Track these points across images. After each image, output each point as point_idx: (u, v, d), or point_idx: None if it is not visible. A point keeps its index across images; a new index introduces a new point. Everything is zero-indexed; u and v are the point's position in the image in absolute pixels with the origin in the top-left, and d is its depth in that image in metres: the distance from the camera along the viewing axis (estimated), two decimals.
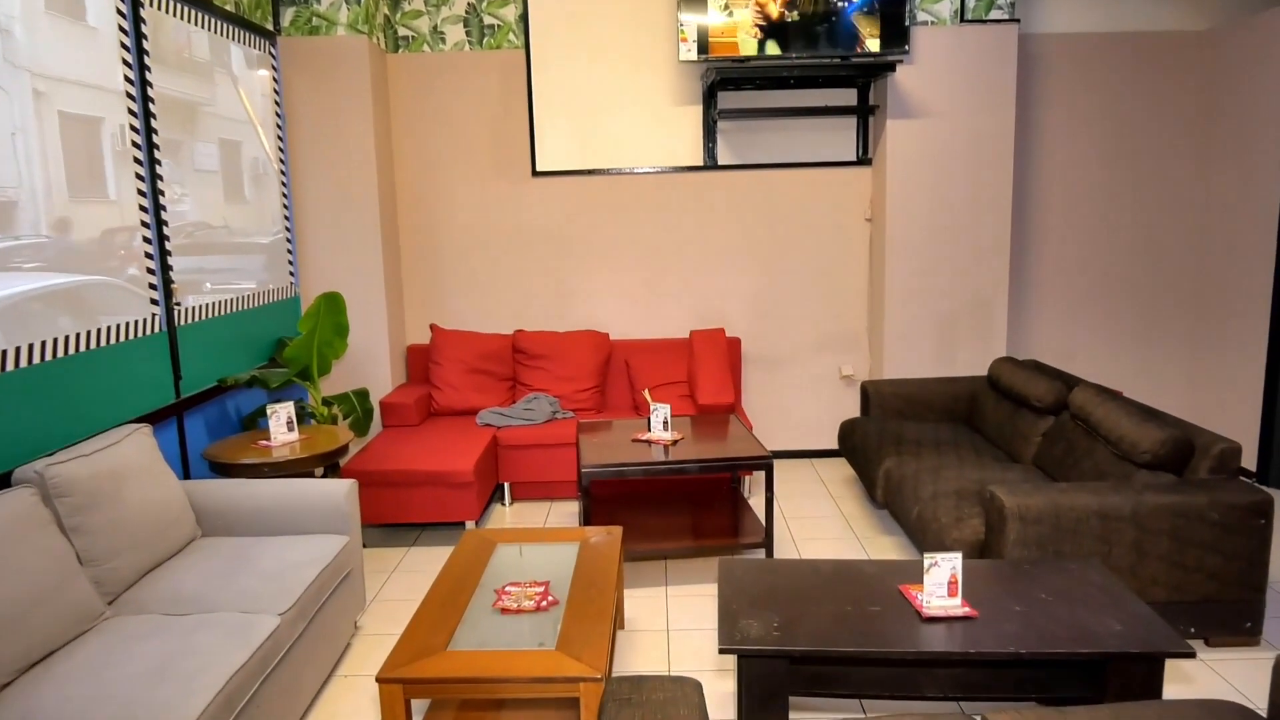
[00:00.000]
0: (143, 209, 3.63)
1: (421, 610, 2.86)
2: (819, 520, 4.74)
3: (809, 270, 5.67)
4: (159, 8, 3.79)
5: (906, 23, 4.96)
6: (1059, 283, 5.77)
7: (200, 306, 4.08)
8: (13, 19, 2.96)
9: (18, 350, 2.88)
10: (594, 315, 5.75)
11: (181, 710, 2.16)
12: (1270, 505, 3.13)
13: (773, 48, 4.96)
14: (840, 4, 4.92)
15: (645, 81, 5.47)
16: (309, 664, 2.97)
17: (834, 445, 5.88)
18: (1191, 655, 2.37)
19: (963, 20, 5.18)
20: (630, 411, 5.42)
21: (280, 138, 5.00)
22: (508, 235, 5.65)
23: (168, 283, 3.79)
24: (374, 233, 5.22)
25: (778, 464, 5.77)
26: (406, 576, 4.18)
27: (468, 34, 5.43)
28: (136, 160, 3.60)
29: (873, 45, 4.98)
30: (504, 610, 2.87)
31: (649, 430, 4.34)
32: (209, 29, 4.24)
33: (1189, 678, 3.11)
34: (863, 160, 5.55)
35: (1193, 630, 3.24)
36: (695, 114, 5.51)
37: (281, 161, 5.01)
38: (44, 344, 3.00)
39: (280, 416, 4.03)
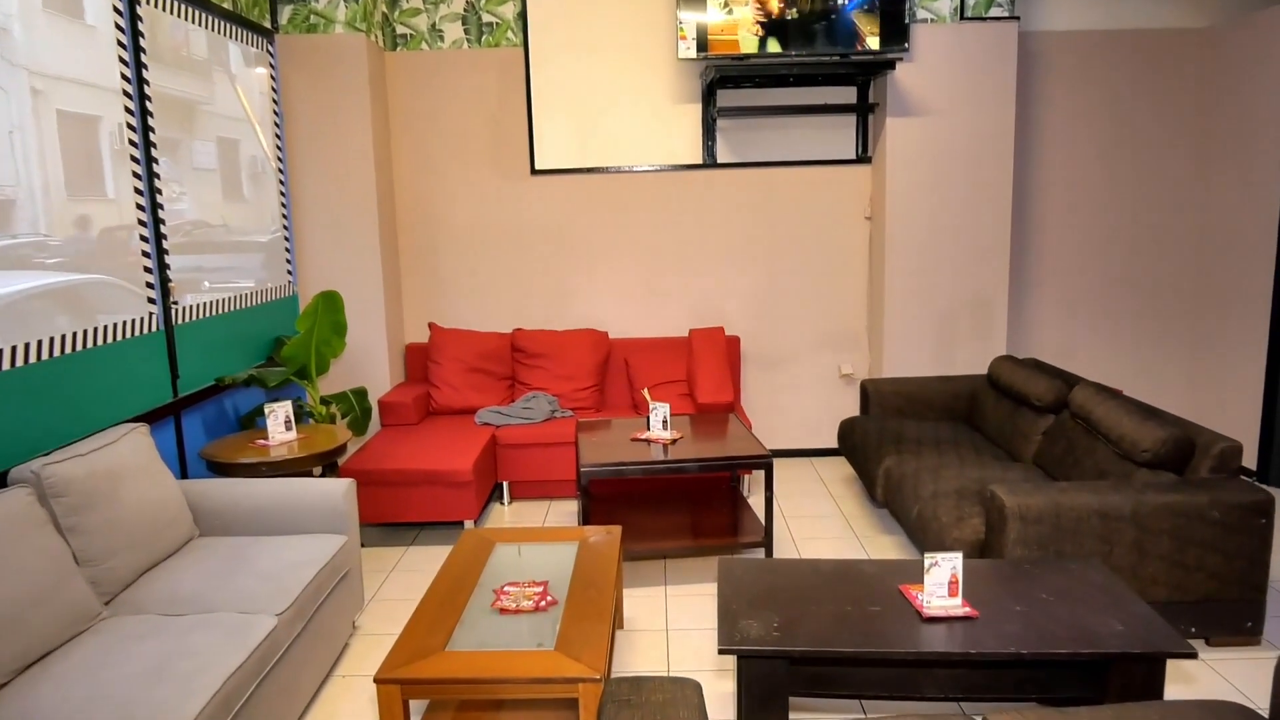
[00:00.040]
0: (140, 208, 3.62)
1: (419, 610, 2.85)
2: (818, 519, 4.73)
3: (808, 269, 5.66)
4: (156, 5, 3.77)
5: (906, 20, 4.95)
6: (1058, 281, 5.76)
7: (198, 305, 4.06)
8: (11, 17, 2.95)
9: (14, 349, 2.86)
10: (593, 314, 5.74)
11: (179, 711, 2.15)
12: (1271, 504, 3.12)
13: (773, 45, 4.94)
14: (840, 1, 4.90)
15: (644, 79, 5.45)
16: (307, 664, 2.96)
17: (833, 444, 5.87)
18: (1193, 655, 2.36)
19: (963, 18, 5.17)
20: (629, 410, 5.41)
21: (278, 136, 4.99)
22: (506, 233, 5.64)
23: (165, 281, 3.78)
24: (372, 231, 5.21)
25: (777, 463, 5.76)
26: (405, 576, 4.17)
27: (466, 32, 5.42)
28: (133, 159, 3.58)
29: (872, 43, 4.96)
30: (502, 610, 2.86)
31: (648, 429, 4.33)
32: (206, 27, 4.22)
33: (1190, 678, 3.10)
34: (862, 158, 5.54)
35: (1193, 630, 3.23)
36: (694, 112, 5.49)
37: (279, 160, 5.00)
38: (40, 343, 2.99)
39: (278, 416, 4.02)
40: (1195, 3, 5.47)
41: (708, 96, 5.44)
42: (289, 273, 5.08)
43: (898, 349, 5.47)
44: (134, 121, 3.59)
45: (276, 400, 4.38)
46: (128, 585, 2.88)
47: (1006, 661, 2.74)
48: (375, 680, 2.47)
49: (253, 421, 4.44)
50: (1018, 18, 5.16)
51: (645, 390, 4.89)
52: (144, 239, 3.64)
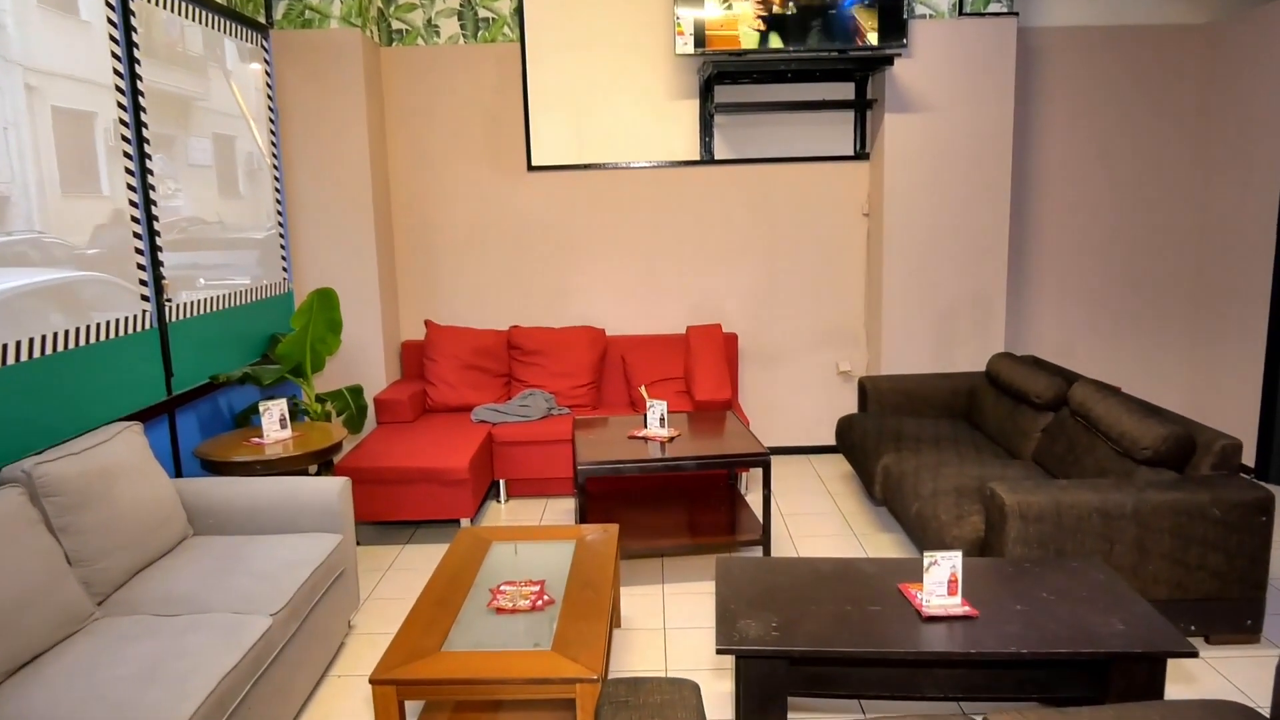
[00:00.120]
0: (133, 204, 3.59)
1: (415, 610, 2.83)
2: (817, 517, 4.71)
3: (806, 265, 5.64)
4: (150, 0, 3.74)
5: (905, 16, 4.93)
6: (1057, 277, 5.75)
7: (192, 303, 4.03)
8: (4, 12, 2.91)
9: (5, 347, 2.84)
10: (590, 311, 5.71)
11: (173, 713, 2.13)
12: (1272, 502, 3.11)
13: (775, 41, 4.92)
14: None
15: (641, 75, 5.43)
16: (302, 664, 2.93)
17: (831, 441, 5.86)
18: (1194, 655, 2.34)
19: (961, 13, 5.14)
20: (626, 408, 5.39)
21: (273, 132, 4.95)
22: (503, 230, 5.61)
23: (158, 279, 3.75)
24: (368, 228, 5.18)
25: (775, 460, 5.74)
26: (401, 575, 4.15)
27: (462, 27, 5.39)
28: (126, 155, 3.55)
29: (871, 38, 4.94)
30: (499, 610, 2.84)
31: (645, 427, 4.30)
32: (200, 22, 4.19)
33: (1190, 676, 3.09)
34: (860, 155, 5.52)
35: (1193, 628, 3.22)
36: (692, 108, 5.47)
37: (274, 156, 4.96)
38: (32, 340, 2.96)
39: (273, 414, 3.99)
40: None
41: (705, 92, 5.42)
42: (284, 270, 5.05)
43: (896, 346, 5.46)
44: (127, 117, 3.56)
45: (271, 398, 4.35)
46: (121, 585, 2.85)
47: (1007, 661, 2.72)
48: (371, 681, 2.44)
49: (247, 420, 4.41)
50: (1016, 13, 5.13)
51: (643, 388, 4.87)
52: (137, 236, 3.61)
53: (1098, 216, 5.68)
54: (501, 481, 5.02)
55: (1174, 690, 3.01)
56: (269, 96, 4.91)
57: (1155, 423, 3.36)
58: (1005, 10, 5.13)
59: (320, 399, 4.62)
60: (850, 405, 5.81)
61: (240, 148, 4.57)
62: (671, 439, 4.18)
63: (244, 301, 4.54)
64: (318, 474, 4.10)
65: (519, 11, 5.35)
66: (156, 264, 3.74)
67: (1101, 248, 5.71)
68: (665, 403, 4.30)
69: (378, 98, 5.33)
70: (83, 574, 2.72)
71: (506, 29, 5.39)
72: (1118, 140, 5.60)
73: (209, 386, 4.11)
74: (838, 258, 5.63)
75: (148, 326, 3.67)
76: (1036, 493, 3.17)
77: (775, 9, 4.89)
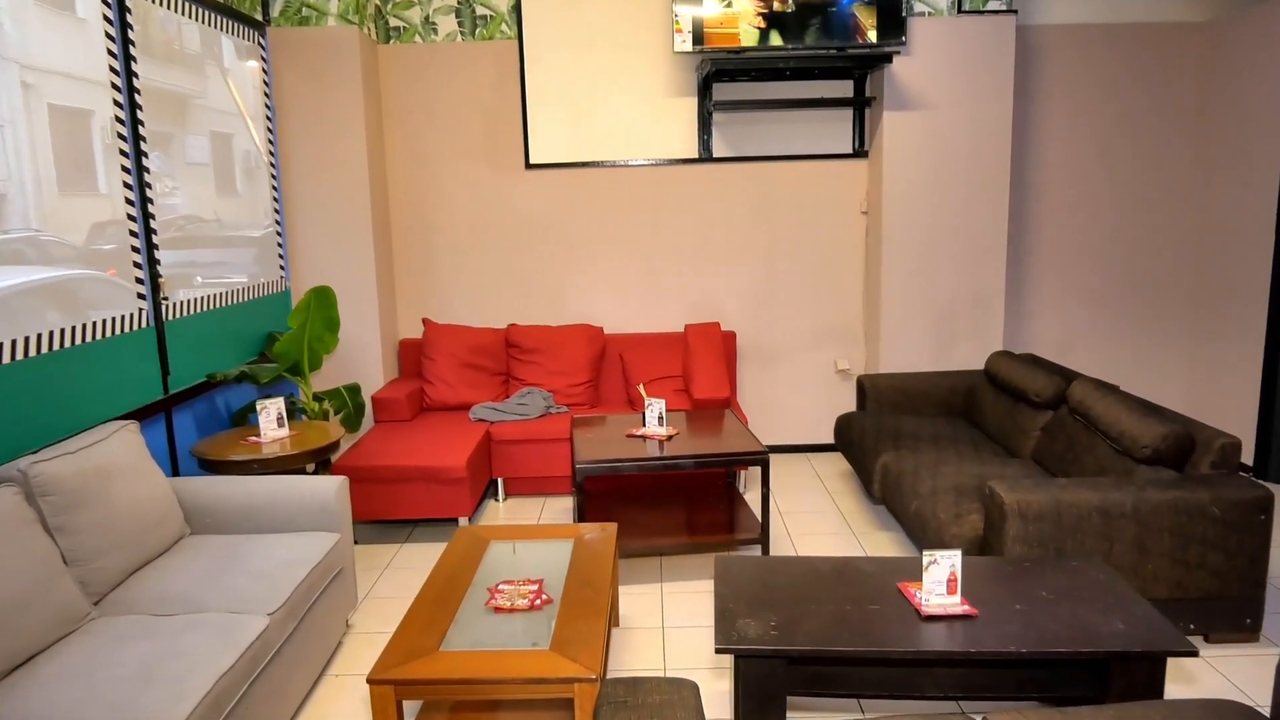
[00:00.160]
0: (129, 202, 3.57)
1: (413, 609, 2.82)
2: (815, 516, 4.70)
3: (805, 263, 5.63)
4: None
5: (904, 13, 4.92)
6: (1056, 276, 5.74)
7: (189, 301, 4.02)
8: (1, 10, 2.90)
9: (1, 345, 2.82)
10: (588, 309, 5.70)
11: (169, 713, 2.12)
12: (1271, 501, 3.10)
13: (775, 38, 4.90)
14: None
15: (639, 73, 5.41)
16: (299, 664, 2.92)
17: (830, 440, 5.85)
18: (1194, 654, 2.34)
19: (960, 11, 5.13)
20: (624, 406, 5.38)
21: (270, 130, 4.94)
22: (501, 228, 5.60)
23: (155, 277, 3.73)
24: (365, 226, 5.16)
25: (773, 459, 5.74)
26: (399, 574, 4.14)
27: (460, 24, 5.37)
28: (122, 153, 3.54)
29: (870, 36, 4.92)
30: (497, 609, 2.83)
31: (644, 425, 4.29)
32: (197, 19, 4.17)
33: (1190, 675, 3.08)
34: (859, 153, 5.51)
35: (1192, 627, 3.22)
36: (690, 106, 5.45)
37: (272, 154, 4.95)
38: (28, 339, 2.94)
39: (270, 412, 3.98)
40: None
41: (703, 90, 5.40)
42: (281, 268, 5.04)
43: (894, 344, 5.45)
44: (124, 115, 3.55)
45: (269, 397, 4.33)
46: (117, 585, 2.84)
47: (1007, 661, 2.72)
48: (368, 681, 2.44)
49: (245, 418, 4.40)
50: (1015, 11, 5.12)
51: (641, 386, 4.86)
52: (133, 234, 3.59)
53: (1097, 215, 5.68)
54: (499, 480, 5.01)
55: (1173, 689, 3.01)
56: (266, 94, 4.90)
57: (1155, 421, 3.36)
58: (1004, 8, 5.12)
59: (318, 397, 4.61)
60: (849, 403, 5.80)
61: (237, 146, 4.56)
62: (670, 437, 4.17)
63: (241, 300, 4.52)
64: (315, 473, 4.09)
65: (517, 9, 5.33)
66: (153, 262, 3.73)
67: (1100, 246, 5.71)
68: (664, 401, 4.29)
69: (375, 95, 5.31)
70: (79, 574, 2.71)
71: (504, 26, 5.37)
72: (1117, 139, 5.59)
73: (206, 385, 4.10)
74: (836, 256, 5.62)
75: (144, 325, 3.65)
76: (1036, 491, 3.16)
77: (775, 6, 4.87)
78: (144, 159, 3.69)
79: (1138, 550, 3.12)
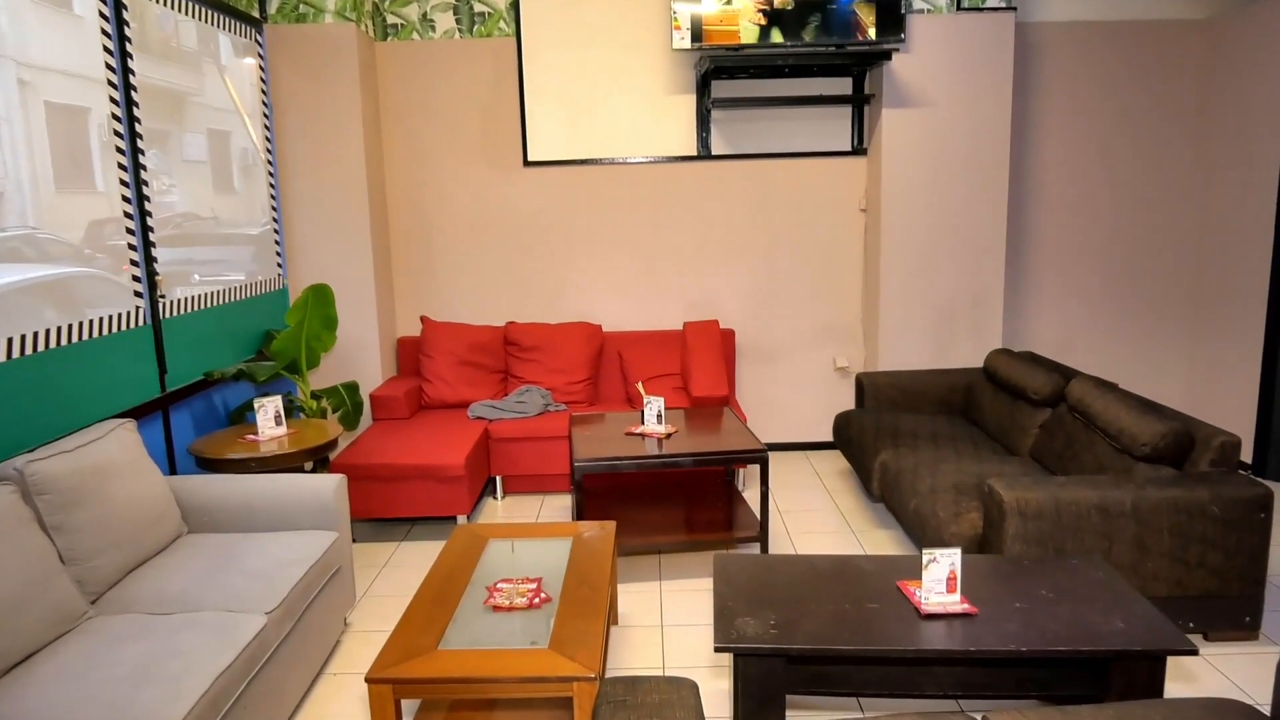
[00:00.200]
0: (125, 200, 3.56)
1: (411, 608, 2.81)
2: (814, 513, 4.70)
3: (803, 261, 5.62)
4: None
5: (903, 10, 4.91)
6: (1055, 274, 5.73)
7: (186, 299, 4.01)
8: None
9: None
10: (586, 307, 5.69)
11: (166, 713, 2.11)
12: (1271, 499, 3.09)
13: (776, 35, 4.89)
14: None
15: (638, 70, 5.40)
16: (297, 663, 2.91)
17: (829, 438, 5.84)
18: (1194, 653, 2.33)
19: (959, 8, 5.12)
20: (623, 404, 5.38)
21: (268, 127, 4.92)
22: (499, 226, 5.59)
23: (152, 275, 3.72)
24: (363, 224, 5.15)
25: (772, 457, 5.73)
26: (397, 572, 4.13)
27: (457, 21, 5.36)
28: (119, 150, 3.52)
29: (869, 33, 4.91)
30: (496, 608, 2.82)
31: (643, 423, 4.29)
32: (194, 16, 4.16)
33: (1189, 673, 3.08)
34: (858, 150, 5.50)
35: (1191, 625, 3.21)
36: (689, 103, 5.44)
37: (269, 151, 4.93)
38: (24, 337, 2.93)
39: (268, 411, 3.97)
40: None
41: (702, 87, 5.39)
42: (279, 266, 5.03)
43: (893, 342, 5.44)
44: (119, 112, 3.53)
45: (266, 395, 4.32)
46: (114, 584, 2.83)
47: (1007, 659, 2.71)
48: (367, 680, 2.43)
49: (242, 417, 4.38)
50: (1014, 8, 5.11)
51: (640, 384, 4.85)
52: (130, 232, 3.58)
53: (1096, 213, 5.67)
54: (498, 478, 5.00)
55: (1173, 688, 3.00)
56: (263, 91, 4.89)
57: (1154, 419, 3.35)
58: (1003, 5, 5.11)
59: (315, 396, 4.60)
60: (847, 401, 5.80)
61: (235, 143, 4.55)
62: (669, 435, 4.16)
63: (238, 298, 4.51)
64: (313, 471, 4.08)
65: (515, 6, 5.32)
66: (150, 260, 3.71)
67: (1099, 244, 5.70)
68: (663, 399, 4.28)
69: (373, 93, 5.30)
70: (76, 572, 2.70)
71: (502, 23, 5.36)
72: (1116, 137, 5.58)
73: (203, 383, 4.09)
74: (835, 253, 5.62)
75: (141, 323, 3.64)
76: (1035, 490, 3.16)
77: (775, 3, 4.86)
78: (141, 157, 3.67)
79: (1137, 548, 3.12)
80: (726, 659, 3.28)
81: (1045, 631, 2.42)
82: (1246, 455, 5.18)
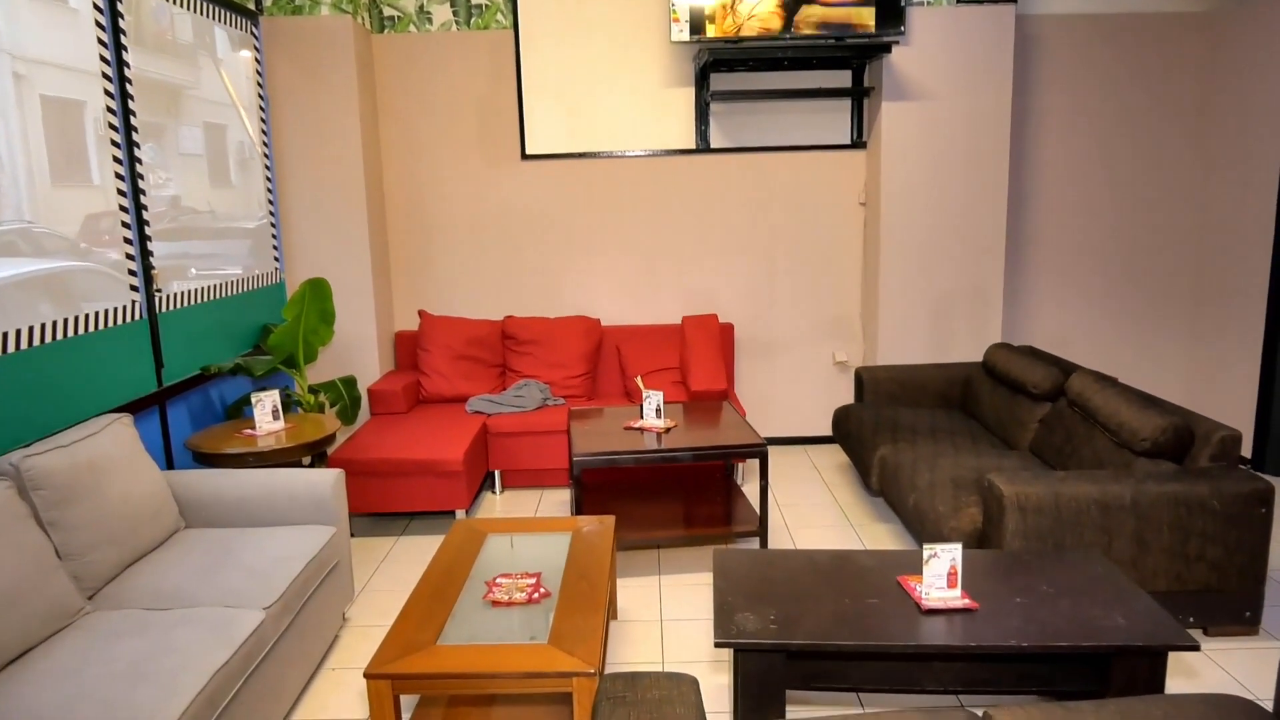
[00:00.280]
0: (121, 193, 3.54)
1: (410, 603, 2.80)
2: (813, 508, 4.69)
3: (802, 255, 5.61)
4: None
5: (903, 3, 4.88)
6: (1055, 268, 5.72)
7: (183, 293, 3.99)
8: None
9: None
10: (584, 301, 5.67)
11: (162, 712, 2.09)
12: (1272, 493, 3.09)
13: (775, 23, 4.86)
14: None
15: (636, 63, 5.38)
16: (295, 658, 2.90)
17: (828, 432, 5.83)
18: (1196, 649, 2.33)
19: (959, 1, 5.10)
20: (621, 398, 5.36)
21: (264, 120, 4.90)
22: (497, 219, 5.56)
23: (148, 269, 3.70)
24: (360, 217, 5.13)
25: (771, 451, 5.72)
26: (395, 567, 4.12)
27: (455, 13, 5.33)
28: (114, 143, 3.50)
29: (869, 25, 4.89)
30: (495, 603, 2.81)
31: (641, 418, 4.27)
32: (188, 9, 4.13)
33: (1189, 669, 3.08)
34: (857, 143, 5.48)
35: (1191, 620, 3.21)
36: (687, 96, 5.42)
37: (265, 145, 4.91)
38: (20, 331, 2.91)
39: (265, 405, 3.95)
40: None
41: (701, 80, 5.37)
42: (276, 260, 5.01)
43: (892, 336, 5.43)
44: (115, 106, 3.51)
45: (263, 389, 4.31)
46: (111, 579, 2.82)
47: (1008, 655, 2.71)
48: (366, 675, 2.42)
49: (239, 411, 4.37)
50: (1015, 0, 5.09)
51: (639, 378, 4.84)
52: (125, 225, 3.56)
53: (1095, 206, 5.65)
54: (496, 472, 4.99)
55: (1173, 683, 3.00)
56: (259, 84, 4.86)
57: (1154, 413, 3.34)
58: None
59: (313, 390, 4.59)
60: (846, 395, 5.79)
61: (231, 136, 4.52)
62: (668, 430, 4.15)
63: (235, 292, 4.49)
64: (311, 466, 4.07)
65: None
66: (145, 254, 3.69)
67: (1099, 238, 5.68)
68: (661, 393, 4.27)
69: (369, 86, 5.27)
70: (72, 568, 2.69)
71: (500, 16, 5.33)
72: (1116, 130, 5.56)
73: (200, 378, 4.07)
74: (834, 247, 5.60)
75: (137, 317, 3.62)
76: (1035, 484, 3.15)
77: None
78: (136, 150, 3.65)
79: (1137, 543, 3.11)
80: (726, 654, 3.28)
81: (1046, 627, 2.42)
82: (1245, 451, 5.18)
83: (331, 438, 3.95)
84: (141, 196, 3.67)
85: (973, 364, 5.08)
